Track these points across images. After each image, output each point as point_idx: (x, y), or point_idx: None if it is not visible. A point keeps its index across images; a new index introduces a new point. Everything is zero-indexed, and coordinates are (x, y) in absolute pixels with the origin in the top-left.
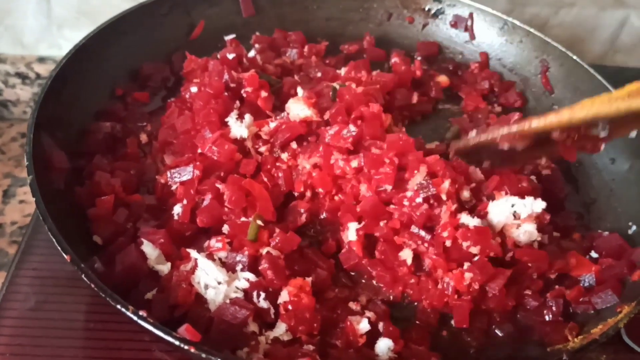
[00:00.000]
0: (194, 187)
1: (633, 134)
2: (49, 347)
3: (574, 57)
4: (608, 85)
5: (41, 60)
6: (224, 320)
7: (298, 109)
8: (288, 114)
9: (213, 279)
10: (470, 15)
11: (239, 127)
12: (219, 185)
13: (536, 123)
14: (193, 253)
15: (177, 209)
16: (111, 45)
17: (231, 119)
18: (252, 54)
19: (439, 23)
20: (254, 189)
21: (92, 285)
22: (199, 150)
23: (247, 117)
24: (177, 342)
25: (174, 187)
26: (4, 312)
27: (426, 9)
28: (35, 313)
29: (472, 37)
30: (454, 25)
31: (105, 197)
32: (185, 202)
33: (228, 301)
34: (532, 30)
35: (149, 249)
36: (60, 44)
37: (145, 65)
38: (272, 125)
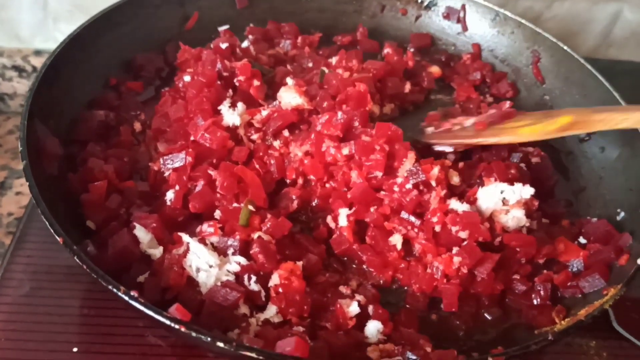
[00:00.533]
0: (186, 173)
1: None
2: (43, 332)
3: (565, 48)
4: (598, 74)
5: (37, 53)
6: (215, 302)
7: (290, 97)
8: (280, 102)
9: (204, 263)
10: (463, 6)
11: (231, 115)
12: (211, 172)
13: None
14: (185, 237)
15: (170, 195)
16: (105, 35)
17: (224, 107)
18: (245, 44)
19: (432, 15)
20: (246, 176)
21: (85, 267)
22: (192, 138)
23: (240, 106)
24: (167, 322)
25: (166, 174)
26: None
27: (419, 0)
28: (29, 299)
29: (465, 28)
30: (447, 16)
31: (98, 183)
32: (177, 188)
33: (219, 284)
34: (523, 21)
35: (142, 233)
36: (56, 37)
37: (139, 56)
38: (264, 113)
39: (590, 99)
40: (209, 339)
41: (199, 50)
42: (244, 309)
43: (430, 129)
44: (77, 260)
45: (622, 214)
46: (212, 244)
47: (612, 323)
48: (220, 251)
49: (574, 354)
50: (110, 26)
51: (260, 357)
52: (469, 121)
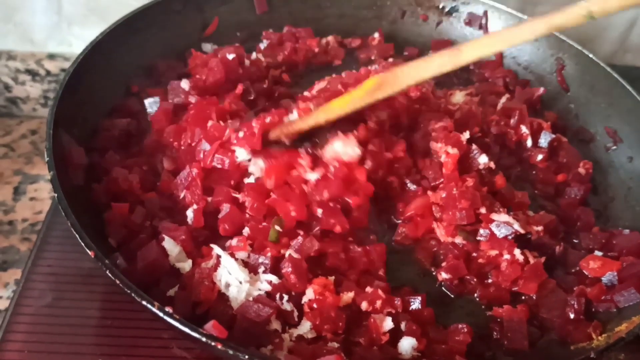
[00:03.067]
0: (198, 188)
1: None
2: (66, 344)
3: (590, 55)
4: (624, 82)
5: (51, 57)
6: (247, 318)
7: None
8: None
9: (235, 278)
10: (485, 13)
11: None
12: (237, 195)
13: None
14: (216, 249)
15: (190, 214)
16: (125, 42)
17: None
18: (254, 56)
19: (453, 21)
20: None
21: (117, 282)
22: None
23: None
24: (204, 339)
25: (181, 195)
26: (20, 309)
27: (440, 6)
28: (52, 310)
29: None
30: (468, 23)
31: (121, 204)
32: (195, 207)
33: (251, 299)
34: None
35: (170, 245)
36: (70, 41)
37: (160, 62)
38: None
39: (617, 107)
40: (246, 356)
41: (208, 57)
42: (276, 325)
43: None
44: (110, 275)
45: None
46: (242, 260)
47: None
48: (251, 268)
49: None
50: (131, 32)
51: None
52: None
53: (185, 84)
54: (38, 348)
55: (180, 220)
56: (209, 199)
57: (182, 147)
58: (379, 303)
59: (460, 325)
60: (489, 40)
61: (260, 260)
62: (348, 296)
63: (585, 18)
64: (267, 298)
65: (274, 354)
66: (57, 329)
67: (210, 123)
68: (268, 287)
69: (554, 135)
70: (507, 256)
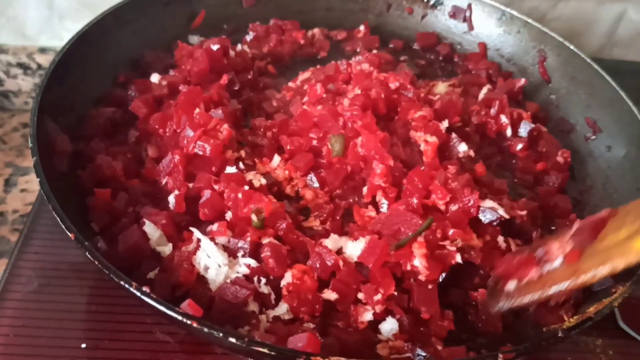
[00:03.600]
0: (180, 174)
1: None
2: (52, 328)
3: (571, 47)
4: (604, 74)
5: (43, 50)
6: (225, 299)
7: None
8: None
9: (214, 261)
10: (469, 6)
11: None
12: (216, 186)
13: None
14: (196, 233)
15: (171, 200)
16: (113, 33)
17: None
18: (239, 47)
19: (438, 14)
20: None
21: (96, 263)
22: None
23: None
24: (179, 317)
25: (163, 181)
26: (7, 295)
27: (425, 0)
28: (38, 296)
29: (471, 27)
30: (453, 15)
31: (103, 190)
32: (177, 192)
33: (229, 281)
34: (529, 20)
35: (151, 229)
36: (62, 35)
37: (147, 54)
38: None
39: (597, 97)
40: (221, 334)
41: (194, 48)
42: (253, 307)
43: (511, 285)
44: (89, 257)
45: None
46: (222, 244)
47: (618, 321)
48: (230, 252)
49: (580, 352)
50: (118, 24)
51: (272, 353)
52: (557, 260)
53: (155, 77)
54: (24, 332)
55: (163, 206)
56: (191, 185)
57: (167, 134)
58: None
59: (446, 311)
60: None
61: (240, 244)
62: (331, 295)
63: None
64: (244, 280)
65: (250, 334)
66: (42, 314)
67: (197, 111)
68: (246, 271)
69: (533, 125)
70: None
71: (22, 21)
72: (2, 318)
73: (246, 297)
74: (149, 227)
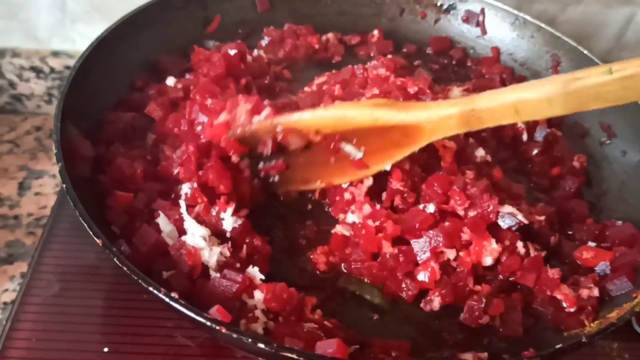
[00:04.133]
0: (192, 164)
1: (387, 166)
2: (73, 332)
3: (585, 52)
4: None
5: (55, 54)
6: (216, 293)
7: None
8: None
9: (199, 238)
10: (482, 10)
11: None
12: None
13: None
14: (183, 207)
15: (186, 189)
16: (129, 38)
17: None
18: (255, 53)
19: (451, 18)
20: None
21: (125, 269)
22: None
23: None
24: (208, 323)
25: (175, 172)
26: (28, 299)
27: (438, 4)
28: (59, 299)
29: (484, 32)
30: (466, 20)
31: (126, 193)
32: (195, 185)
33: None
34: (543, 25)
35: (164, 223)
36: (74, 38)
37: (163, 58)
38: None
39: None
40: (250, 340)
41: (211, 53)
42: (245, 298)
43: None
44: (117, 262)
45: None
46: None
47: (634, 325)
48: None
49: (597, 355)
50: (135, 29)
51: (301, 358)
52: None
53: (170, 81)
54: (45, 336)
55: (175, 202)
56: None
57: (182, 130)
58: None
59: None
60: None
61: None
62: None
63: (604, 74)
64: (234, 273)
65: (247, 327)
66: (63, 318)
67: (209, 101)
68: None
69: (549, 130)
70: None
71: (34, 24)
72: (24, 322)
73: (237, 290)
74: (162, 221)
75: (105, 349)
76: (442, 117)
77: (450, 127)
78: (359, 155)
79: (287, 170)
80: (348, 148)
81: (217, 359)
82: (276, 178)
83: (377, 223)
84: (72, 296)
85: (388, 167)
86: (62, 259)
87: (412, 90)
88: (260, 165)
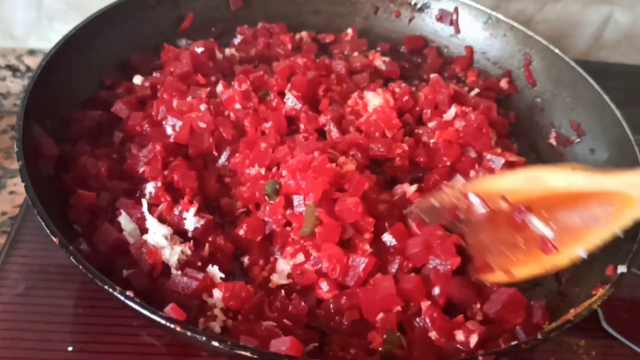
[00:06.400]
0: (159, 164)
1: (583, 252)
2: (38, 331)
3: (556, 51)
4: (588, 77)
5: (31, 52)
6: (175, 291)
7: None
8: None
9: (160, 235)
10: (456, 9)
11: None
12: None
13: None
14: (144, 206)
15: (150, 188)
16: (100, 36)
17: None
18: (227, 51)
19: (425, 17)
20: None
21: (81, 267)
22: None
23: None
24: (162, 321)
25: (141, 170)
26: None
27: (412, 3)
28: (24, 299)
29: (457, 31)
30: (440, 19)
31: (88, 192)
32: (159, 184)
33: (179, 272)
34: (515, 24)
35: (126, 221)
36: (50, 36)
37: (134, 56)
38: None
39: (581, 101)
40: (204, 338)
41: (181, 51)
42: (204, 297)
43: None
44: (73, 261)
45: None
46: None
47: (601, 322)
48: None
49: (563, 352)
50: (105, 26)
51: (255, 356)
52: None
53: (138, 79)
54: (10, 335)
55: (139, 200)
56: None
57: (147, 130)
58: None
59: None
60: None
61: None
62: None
63: None
64: (195, 271)
65: (206, 326)
66: (29, 317)
67: (175, 102)
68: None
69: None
70: None
71: (10, 23)
72: None
73: (197, 288)
74: (124, 219)
75: (70, 348)
76: None
77: None
78: (549, 234)
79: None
80: (535, 222)
81: (182, 357)
82: None
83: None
84: (38, 295)
85: (584, 254)
86: (29, 258)
87: None
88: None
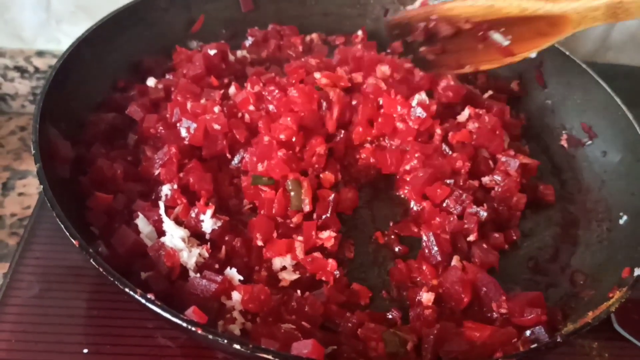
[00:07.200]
0: (174, 166)
1: (533, 54)
2: (53, 333)
3: (567, 53)
4: (599, 79)
5: (40, 54)
6: (194, 293)
7: None
8: None
9: (178, 238)
10: None
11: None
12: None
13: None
14: (162, 208)
15: (166, 191)
16: (113, 38)
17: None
18: (239, 53)
19: None
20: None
21: (101, 270)
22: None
23: None
24: (184, 324)
25: (156, 173)
26: (8, 300)
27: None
28: (39, 300)
29: None
30: None
31: (106, 195)
32: (175, 186)
33: (198, 275)
34: None
35: (143, 224)
36: (59, 38)
37: (146, 58)
38: None
39: (592, 103)
40: (225, 341)
41: (193, 53)
42: (223, 299)
43: None
44: (93, 263)
45: (625, 217)
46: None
47: (613, 324)
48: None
49: (576, 354)
50: (118, 29)
51: (276, 359)
52: None
53: (151, 81)
54: (25, 338)
55: (156, 203)
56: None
57: (162, 131)
58: None
59: None
60: None
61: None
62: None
63: None
64: (214, 274)
65: (225, 328)
66: (44, 319)
67: (189, 105)
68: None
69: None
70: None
71: (19, 24)
72: (4, 323)
73: (216, 291)
74: (141, 222)
75: (85, 350)
76: (589, 7)
77: (596, 18)
78: (505, 43)
79: (440, 54)
80: (496, 36)
81: (197, 359)
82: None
83: None
84: (52, 297)
85: (533, 55)
86: (43, 260)
87: None
88: (422, 48)
